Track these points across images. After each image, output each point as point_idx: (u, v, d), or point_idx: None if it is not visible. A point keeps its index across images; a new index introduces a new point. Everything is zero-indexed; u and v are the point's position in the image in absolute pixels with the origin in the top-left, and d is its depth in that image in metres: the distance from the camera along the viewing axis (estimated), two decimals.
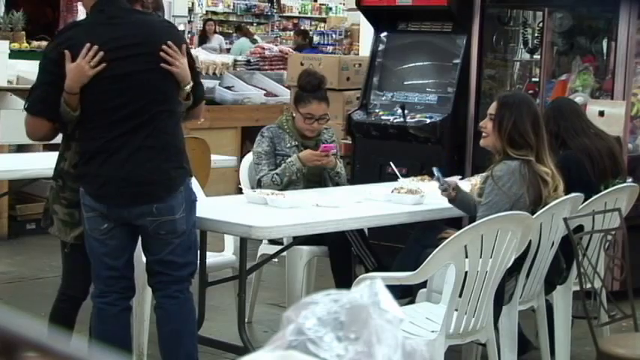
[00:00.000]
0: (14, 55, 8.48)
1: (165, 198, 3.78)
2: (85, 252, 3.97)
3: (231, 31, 19.25)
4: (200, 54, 12.74)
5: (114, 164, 3.75)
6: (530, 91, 6.85)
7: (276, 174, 5.15)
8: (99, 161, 3.78)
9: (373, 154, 6.75)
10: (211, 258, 4.78)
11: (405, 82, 7.02)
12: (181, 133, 3.93)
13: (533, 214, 4.25)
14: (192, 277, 4.02)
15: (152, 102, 3.78)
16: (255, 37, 16.15)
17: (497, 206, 4.22)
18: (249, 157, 5.47)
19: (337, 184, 5.30)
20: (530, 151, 4.26)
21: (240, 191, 5.58)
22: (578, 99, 6.09)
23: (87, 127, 3.81)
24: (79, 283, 4.10)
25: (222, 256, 5.09)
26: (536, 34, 7.11)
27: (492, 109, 4.41)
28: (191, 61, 3.90)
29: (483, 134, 4.46)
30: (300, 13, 19.78)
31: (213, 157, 5.87)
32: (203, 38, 16.28)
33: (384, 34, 7.15)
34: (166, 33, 3.86)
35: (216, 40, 16.16)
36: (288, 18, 19.96)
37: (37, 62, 6.44)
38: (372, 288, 1.29)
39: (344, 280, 4.86)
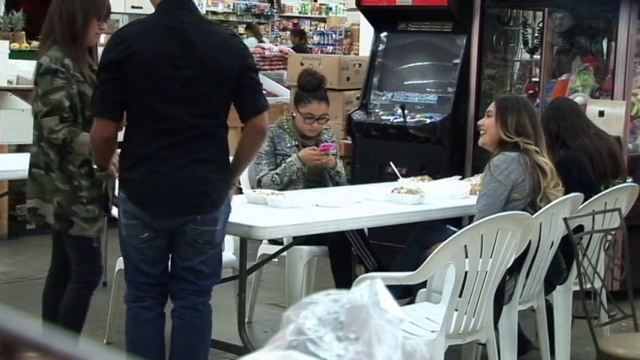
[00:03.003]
0: (14, 55, 8.47)
1: (210, 210, 3.76)
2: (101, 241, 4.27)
3: None
4: None
5: (163, 173, 3.69)
6: (530, 91, 6.86)
7: (277, 174, 5.15)
8: (147, 168, 3.71)
9: (373, 154, 6.75)
10: None
11: (405, 82, 7.02)
12: (228, 148, 3.87)
13: (532, 204, 4.30)
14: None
15: (206, 115, 3.72)
16: (263, 37, 16.15)
17: (495, 194, 4.30)
18: None
19: (337, 184, 5.30)
20: (531, 140, 4.34)
21: (240, 191, 5.58)
22: (578, 99, 6.09)
23: (138, 132, 3.75)
24: (99, 269, 4.35)
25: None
26: (536, 34, 7.11)
27: (491, 107, 4.51)
28: (247, 79, 3.75)
29: (481, 132, 4.52)
30: (300, 13, 19.77)
31: None
32: None
33: (384, 34, 7.15)
34: (226, 45, 3.74)
35: None
36: (288, 18, 19.95)
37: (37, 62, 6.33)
38: (372, 288, 1.29)
39: (344, 280, 4.86)
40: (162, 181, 3.70)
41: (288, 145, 5.26)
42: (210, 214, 3.75)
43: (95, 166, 3.95)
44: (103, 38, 13.20)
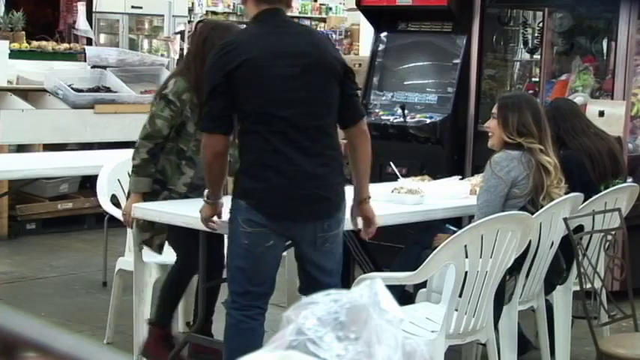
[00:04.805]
0: (14, 55, 8.48)
1: (335, 214, 3.75)
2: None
3: None
4: None
5: (289, 180, 3.64)
6: (530, 91, 6.86)
7: None
8: (271, 175, 3.64)
9: (373, 154, 6.73)
10: None
11: (405, 82, 7.02)
12: (341, 148, 3.87)
13: (534, 202, 4.29)
14: None
15: (320, 115, 3.70)
16: None
17: (495, 190, 4.31)
18: None
19: None
20: (534, 139, 4.34)
21: None
22: (578, 99, 6.09)
23: (256, 139, 3.67)
24: (185, 256, 4.53)
25: None
26: (536, 34, 7.11)
27: (495, 107, 4.52)
28: (350, 81, 3.78)
29: (489, 134, 4.52)
30: (300, 13, 19.76)
31: None
32: None
33: (384, 34, 7.15)
34: (329, 44, 3.85)
35: None
36: None
37: (37, 62, 6.44)
38: (372, 288, 1.29)
39: (343, 280, 4.85)
40: (291, 189, 3.65)
41: None
42: (334, 218, 3.75)
43: (206, 198, 3.87)
44: (103, 38, 13.10)
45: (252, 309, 3.84)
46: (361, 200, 3.88)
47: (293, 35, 3.76)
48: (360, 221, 3.91)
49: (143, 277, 4.65)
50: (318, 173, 3.67)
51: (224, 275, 4.70)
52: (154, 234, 4.50)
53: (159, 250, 4.54)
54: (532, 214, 4.19)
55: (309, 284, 3.85)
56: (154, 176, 4.43)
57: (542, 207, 4.30)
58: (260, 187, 3.66)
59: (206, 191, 3.87)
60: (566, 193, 4.44)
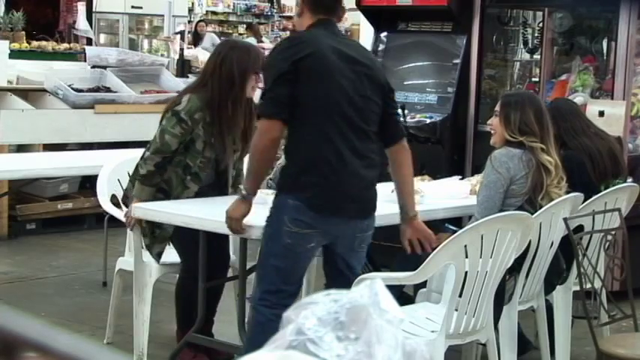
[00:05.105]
0: (14, 55, 8.48)
1: (372, 215, 3.88)
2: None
3: (231, 31, 19.28)
4: (200, 54, 12.72)
5: (342, 176, 3.70)
6: (530, 91, 6.86)
7: (270, 179, 5.10)
8: (326, 170, 3.69)
9: None
10: None
11: (405, 82, 7.01)
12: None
13: (531, 201, 4.29)
14: None
15: (371, 121, 3.79)
16: (263, 37, 16.16)
17: (494, 186, 4.33)
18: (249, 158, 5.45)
19: None
20: (536, 138, 4.34)
21: None
22: (578, 99, 6.09)
23: (313, 132, 3.70)
24: (187, 261, 4.57)
25: None
26: (536, 34, 7.11)
27: (497, 105, 4.54)
28: (392, 101, 3.94)
29: (492, 132, 4.54)
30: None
31: None
32: (196, 38, 16.27)
33: (384, 34, 7.15)
34: (379, 63, 4.08)
35: (208, 38, 16.12)
36: (288, 18, 19.96)
37: (37, 62, 6.48)
38: (372, 288, 1.29)
39: None
40: (341, 186, 3.71)
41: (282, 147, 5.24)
42: (372, 217, 3.87)
43: (244, 192, 3.79)
44: (103, 38, 13.13)
45: (281, 308, 3.82)
46: (411, 218, 3.98)
47: (350, 45, 3.91)
48: (407, 240, 4.01)
49: (143, 277, 4.66)
50: (363, 174, 3.77)
51: (228, 275, 4.73)
52: (154, 242, 4.55)
53: (157, 257, 4.58)
54: (531, 213, 4.19)
55: (341, 286, 3.86)
56: (159, 185, 4.48)
57: (540, 206, 4.31)
58: (314, 181, 3.69)
59: (242, 186, 3.84)
60: (566, 193, 4.44)
